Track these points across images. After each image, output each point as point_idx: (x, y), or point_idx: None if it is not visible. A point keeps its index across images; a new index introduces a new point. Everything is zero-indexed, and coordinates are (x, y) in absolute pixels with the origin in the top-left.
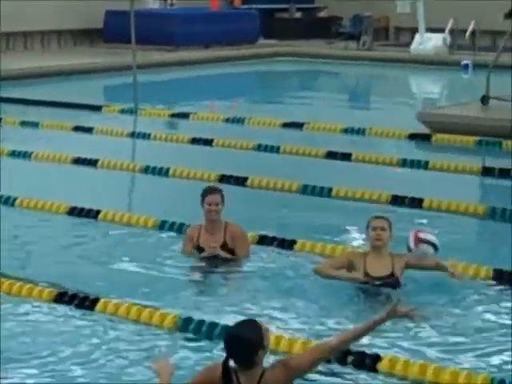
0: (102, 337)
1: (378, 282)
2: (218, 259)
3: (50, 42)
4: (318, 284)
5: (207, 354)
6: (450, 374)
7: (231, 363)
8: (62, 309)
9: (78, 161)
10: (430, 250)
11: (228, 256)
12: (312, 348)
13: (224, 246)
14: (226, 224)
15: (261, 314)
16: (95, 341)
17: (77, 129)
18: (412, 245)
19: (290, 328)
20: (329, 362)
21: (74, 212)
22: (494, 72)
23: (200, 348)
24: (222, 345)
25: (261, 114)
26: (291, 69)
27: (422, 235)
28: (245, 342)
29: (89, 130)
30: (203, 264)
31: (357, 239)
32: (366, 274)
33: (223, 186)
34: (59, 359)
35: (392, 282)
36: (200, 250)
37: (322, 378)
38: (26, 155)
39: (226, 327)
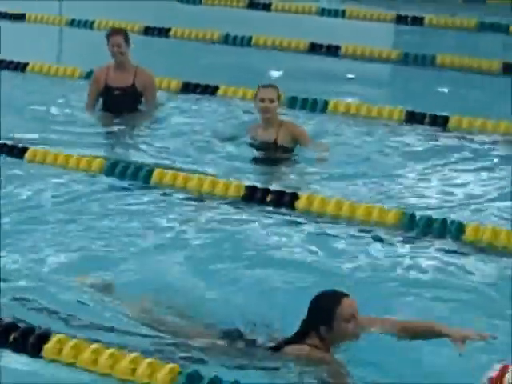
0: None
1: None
2: (125, 107)
3: None
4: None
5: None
6: (363, 209)
7: None
8: None
9: (5, 16)
10: None
11: None
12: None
13: (132, 87)
14: (136, 67)
15: (175, 156)
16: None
17: None
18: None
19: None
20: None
21: (2, 65)
22: None
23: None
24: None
25: None
26: None
27: None
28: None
29: None
30: (109, 111)
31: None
32: (254, 141)
33: (147, 38)
34: None
35: (274, 148)
36: (109, 88)
37: (242, 217)
38: None
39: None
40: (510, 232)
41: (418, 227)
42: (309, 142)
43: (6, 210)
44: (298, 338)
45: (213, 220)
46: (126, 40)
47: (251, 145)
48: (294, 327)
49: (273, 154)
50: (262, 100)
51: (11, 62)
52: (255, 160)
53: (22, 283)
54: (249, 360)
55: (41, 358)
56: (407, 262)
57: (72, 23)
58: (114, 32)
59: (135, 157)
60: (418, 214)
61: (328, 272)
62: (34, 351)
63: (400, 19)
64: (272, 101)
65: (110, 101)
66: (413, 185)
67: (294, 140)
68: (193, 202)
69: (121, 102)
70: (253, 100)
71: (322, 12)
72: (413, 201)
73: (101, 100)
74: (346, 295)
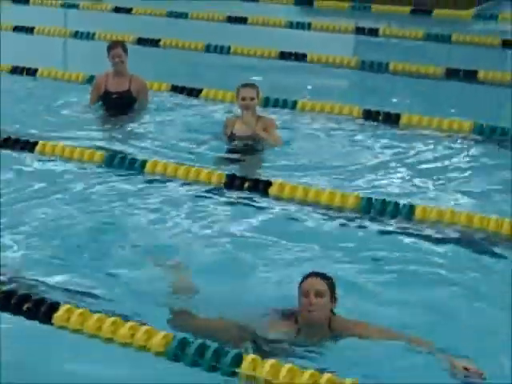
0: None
1: (239, 141)
2: (121, 109)
3: None
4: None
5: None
6: (327, 195)
7: None
8: (7, 151)
9: (17, 28)
10: None
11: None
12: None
13: (128, 92)
14: (131, 75)
15: (166, 149)
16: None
17: (15, 1)
18: None
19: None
20: (229, 188)
21: (16, 70)
22: None
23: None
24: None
25: None
26: None
27: None
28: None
29: (26, 1)
30: (109, 112)
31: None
32: (232, 135)
33: (140, 47)
34: None
35: (252, 140)
36: (109, 93)
37: (225, 205)
38: None
39: (144, 161)
40: (454, 211)
41: (375, 210)
42: (273, 132)
43: (23, 197)
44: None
45: (198, 204)
46: (125, 51)
47: (230, 138)
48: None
49: (250, 146)
50: (243, 98)
51: (23, 68)
52: (234, 151)
53: (36, 259)
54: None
55: (51, 324)
56: (366, 241)
57: (76, 35)
58: (114, 45)
59: (131, 149)
60: (374, 197)
61: (296, 251)
62: (45, 319)
63: (358, 30)
64: (252, 99)
65: (108, 103)
66: (369, 172)
67: (266, 131)
68: (180, 188)
69: (118, 105)
70: (235, 98)
71: (291, 25)
72: (370, 186)
73: (101, 102)
74: (315, 275)
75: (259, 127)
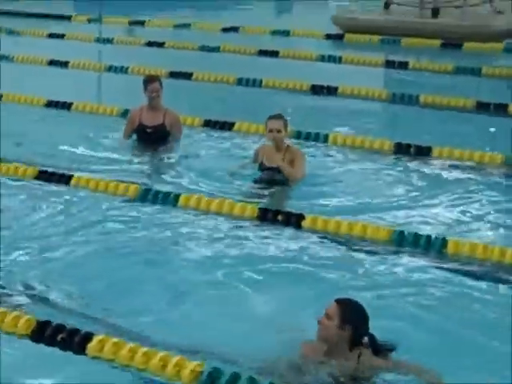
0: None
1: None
2: (155, 142)
3: None
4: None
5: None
6: (360, 227)
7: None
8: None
9: (52, 62)
10: None
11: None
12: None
13: (162, 125)
14: (166, 109)
15: (199, 182)
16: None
17: (51, 35)
18: None
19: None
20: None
21: (51, 104)
22: None
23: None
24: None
25: (204, 20)
26: None
27: None
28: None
29: (61, 36)
30: (142, 145)
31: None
32: (262, 164)
33: (172, 81)
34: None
35: (280, 172)
36: (143, 126)
37: (256, 233)
38: (8, 58)
39: (177, 195)
40: (488, 246)
41: (407, 243)
42: (298, 163)
43: (57, 229)
44: None
45: (231, 237)
46: (161, 85)
47: (260, 169)
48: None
49: (278, 177)
50: (271, 130)
51: (58, 102)
52: (267, 182)
53: (68, 290)
54: None
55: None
56: (399, 274)
57: (109, 69)
58: (151, 79)
59: (164, 183)
60: (407, 231)
61: (328, 282)
62: (79, 349)
63: (388, 63)
64: (279, 131)
65: (143, 137)
66: (401, 205)
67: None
68: (213, 221)
69: (152, 138)
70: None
71: (322, 58)
72: (402, 219)
73: (135, 135)
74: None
75: (286, 159)
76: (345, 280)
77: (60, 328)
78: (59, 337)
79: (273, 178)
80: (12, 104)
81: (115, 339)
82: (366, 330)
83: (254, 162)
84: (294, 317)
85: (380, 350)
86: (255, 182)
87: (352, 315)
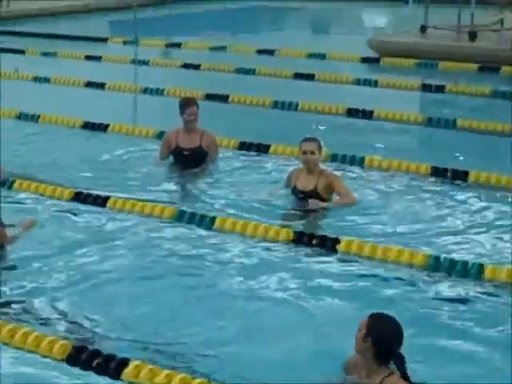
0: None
1: (301, 195)
2: (192, 164)
3: None
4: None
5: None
6: (395, 252)
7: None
8: (79, 205)
9: (89, 84)
10: None
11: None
12: None
13: (199, 148)
14: (203, 131)
15: (234, 205)
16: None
17: (88, 58)
18: None
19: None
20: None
21: (88, 126)
22: (430, 6)
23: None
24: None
25: (239, 42)
26: (262, 4)
27: None
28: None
29: (98, 58)
30: (179, 167)
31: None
32: (294, 188)
33: (208, 103)
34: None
35: (314, 195)
36: (180, 149)
37: (294, 262)
38: (45, 80)
39: (213, 218)
40: None
41: (443, 268)
42: (342, 189)
43: (92, 252)
44: None
45: (266, 261)
46: (197, 108)
47: (294, 192)
48: None
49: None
50: (304, 152)
51: (94, 124)
52: (300, 205)
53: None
54: None
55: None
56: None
57: (145, 90)
58: (189, 103)
59: (201, 205)
60: (443, 256)
61: (362, 307)
62: (115, 375)
63: (424, 87)
64: (312, 153)
65: (180, 159)
66: (438, 230)
67: (331, 188)
68: (248, 245)
69: (190, 160)
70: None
71: (358, 81)
72: (438, 244)
73: (172, 157)
74: None
75: (321, 183)
76: (378, 304)
77: (96, 353)
78: (95, 362)
79: (306, 207)
80: (49, 125)
81: (151, 365)
82: (393, 347)
83: (287, 187)
84: (330, 342)
85: (407, 375)
86: (291, 205)
87: (376, 327)
